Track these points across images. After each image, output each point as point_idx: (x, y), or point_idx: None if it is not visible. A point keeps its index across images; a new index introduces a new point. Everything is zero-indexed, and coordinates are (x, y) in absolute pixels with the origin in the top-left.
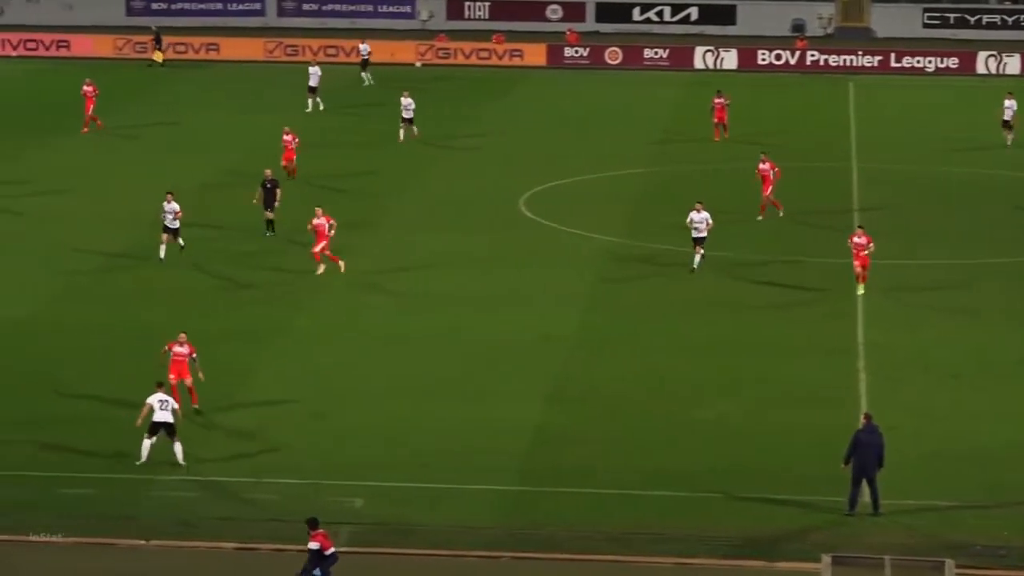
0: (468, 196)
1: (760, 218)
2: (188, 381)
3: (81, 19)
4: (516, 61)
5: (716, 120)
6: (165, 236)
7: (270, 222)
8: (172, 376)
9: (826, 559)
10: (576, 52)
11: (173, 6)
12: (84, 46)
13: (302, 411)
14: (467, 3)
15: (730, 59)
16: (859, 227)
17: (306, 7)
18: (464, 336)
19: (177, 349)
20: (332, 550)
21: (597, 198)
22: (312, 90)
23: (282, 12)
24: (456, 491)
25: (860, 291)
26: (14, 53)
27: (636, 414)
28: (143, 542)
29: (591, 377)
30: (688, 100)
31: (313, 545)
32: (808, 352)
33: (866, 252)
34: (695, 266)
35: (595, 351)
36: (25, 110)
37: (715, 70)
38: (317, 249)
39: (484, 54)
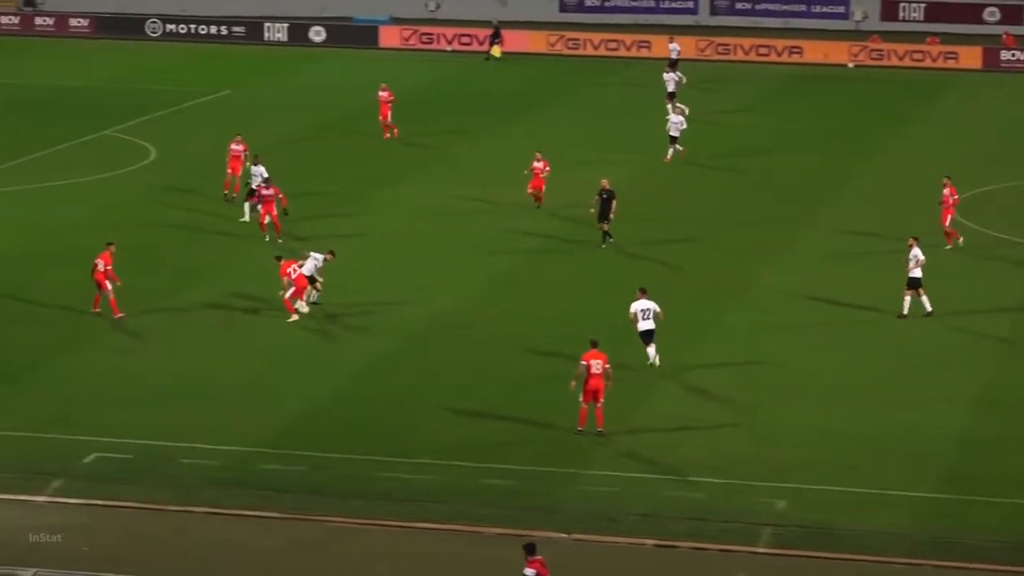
0: (899, 199)
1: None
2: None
3: (514, 14)
4: (950, 64)
5: None
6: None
7: (606, 234)
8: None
9: None
10: (1013, 55)
11: (607, 3)
12: (518, 41)
13: (730, 409)
14: (902, 4)
15: None
16: None
17: (739, 6)
18: (895, 340)
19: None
20: None
21: None
22: (672, 64)
23: (715, 11)
24: (879, 496)
25: None
26: (448, 47)
27: None
28: (564, 535)
29: None
30: None
31: (529, 572)
32: None
33: None
34: None
35: None
36: (462, 103)
37: None
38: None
39: (917, 56)
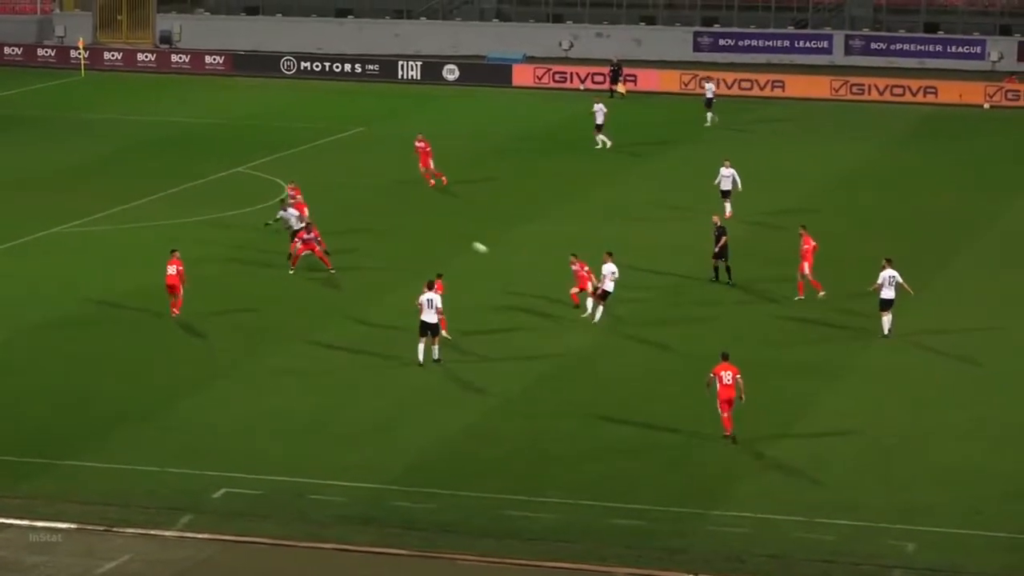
0: None
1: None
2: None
3: (648, 54)
4: None
5: None
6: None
7: (721, 270)
8: None
9: None
10: None
11: (740, 43)
12: (650, 80)
13: (861, 450)
14: None
15: None
16: None
17: (874, 46)
18: None
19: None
20: None
21: None
22: (598, 127)
23: (849, 51)
24: (1010, 540)
25: None
26: (582, 86)
27: None
28: None
29: None
30: None
31: None
32: None
33: None
34: None
35: None
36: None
37: None
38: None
39: None
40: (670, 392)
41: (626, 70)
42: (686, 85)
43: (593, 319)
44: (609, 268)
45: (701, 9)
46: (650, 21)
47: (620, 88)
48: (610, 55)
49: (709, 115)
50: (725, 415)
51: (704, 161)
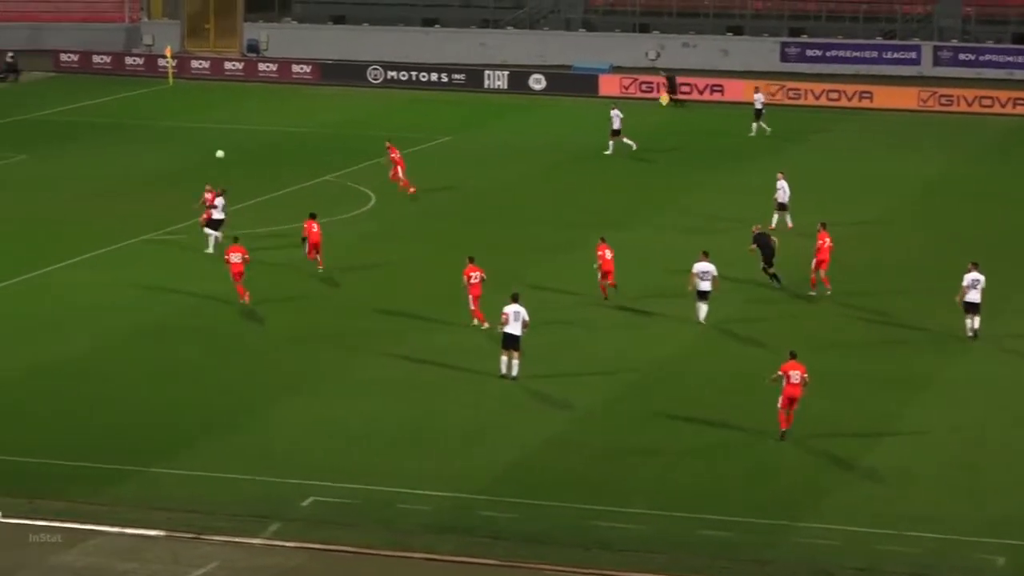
0: None
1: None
2: None
3: (735, 64)
4: None
5: None
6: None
7: (773, 276)
8: None
9: None
10: None
11: (828, 53)
12: (736, 91)
13: (949, 461)
14: None
15: None
16: None
17: (962, 57)
18: None
19: None
20: None
21: None
22: (615, 133)
23: (938, 62)
24: None
25: None
26: (668, 96)
27: None
28: None
29: None
30: None
31: None
32: None
33: None
34: None
35: None
36: (682, 151)
37: None
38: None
39: None
40: (757, 400)
41: (710, 80)
42: (773, 96)
43: (699, 319)
44: (702, 267)
45: (789, 19)
46: (737, 31)
47: (664, 98)
48: (694, 65)
49: (754, 125)
50: (785, 412)
51: (788, 170)
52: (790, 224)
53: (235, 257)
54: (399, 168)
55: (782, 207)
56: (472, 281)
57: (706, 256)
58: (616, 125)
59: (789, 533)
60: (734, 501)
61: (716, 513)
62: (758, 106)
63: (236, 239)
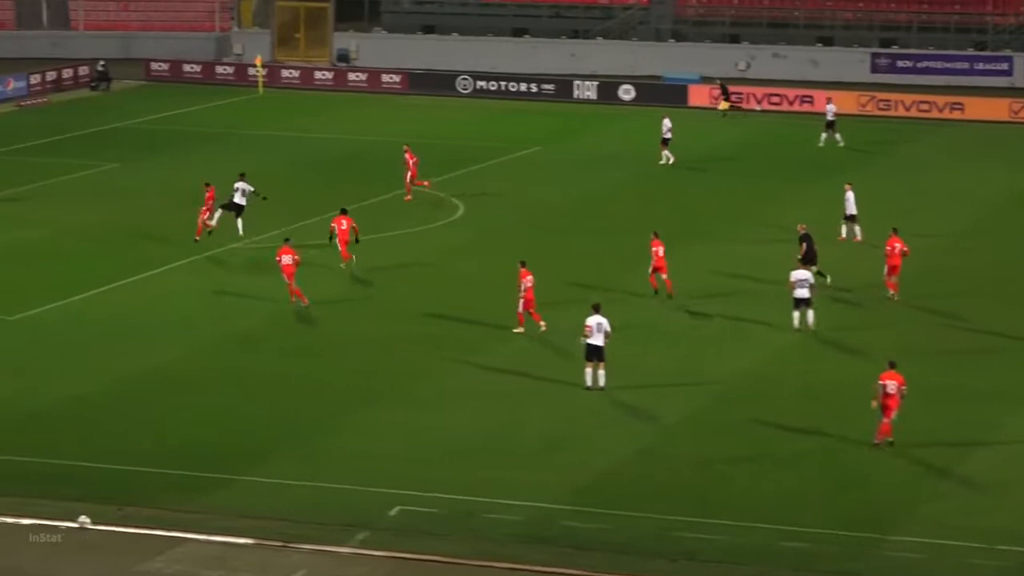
0: None
1: None
2: None
3: (825, 75)
4: None
5: None
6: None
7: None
8: None
9: None
10: None
11: (919, 64)
12: (826, 102)
13: None
14: None
15: None
16: None
17: None
18: None
19: None
20: None
21: None
22: (665, 142)
23: None
24: None
25: None
26: (758, 107)
27: None
28: None
29: None
30: None
31: None
32: None
33: None
34: None
35: None
36: (771, 162)
37: None
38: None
39: None
40: (847, 411)
41: (797, 92)
42: (863, 107)
43: (807, 326)
44: (799, 275)
45: (879, 30)
46: (827, 42)
47: (723, 105)
48: (784, 76)
49: (824, 135)
50: (886, 422)
51: (874, 182)
52: (859, 236)
53: (286, 259)
54: (410, 172)
55: (851, 218)
56: (527, 285)
57: (802, 264)
58: (666, 134)
59: (876, 546)
60: (822, 512)
61: (803, 525)
62: (830, 117)
63: (287, 240)
